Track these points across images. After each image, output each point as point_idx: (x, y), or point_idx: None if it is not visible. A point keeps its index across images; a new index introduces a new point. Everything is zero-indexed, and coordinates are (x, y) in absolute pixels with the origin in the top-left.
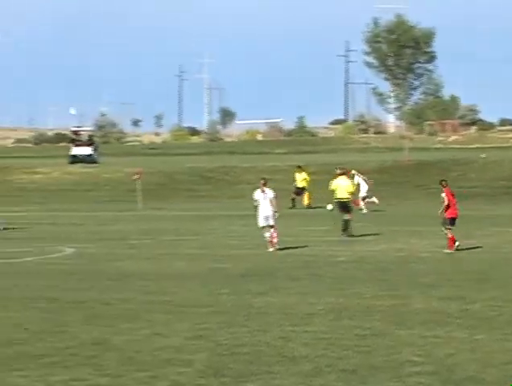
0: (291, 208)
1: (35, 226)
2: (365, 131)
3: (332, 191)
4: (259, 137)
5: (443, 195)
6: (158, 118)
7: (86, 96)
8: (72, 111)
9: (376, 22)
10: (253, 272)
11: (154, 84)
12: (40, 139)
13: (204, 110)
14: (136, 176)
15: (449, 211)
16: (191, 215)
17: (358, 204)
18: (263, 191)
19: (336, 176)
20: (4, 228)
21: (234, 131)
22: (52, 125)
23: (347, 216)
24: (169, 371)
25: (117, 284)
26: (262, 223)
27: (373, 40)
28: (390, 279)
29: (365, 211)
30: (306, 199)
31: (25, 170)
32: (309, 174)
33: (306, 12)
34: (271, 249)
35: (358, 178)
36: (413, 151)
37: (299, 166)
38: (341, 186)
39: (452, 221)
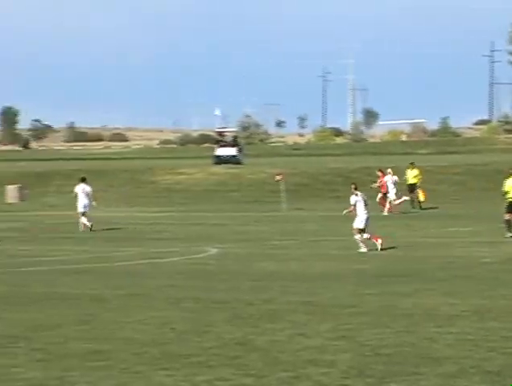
0: (415, 208)
1: (179, 226)
2: (510, 131)
3: (505, 193)
4: (403, 138)
5: None
6: (302, 119)
7: (230, 97)
8: (217, 112)
9: None
10: (397, 273)
11: (298, 85)
12: (185, 140)
13: (347, 111)
14: (279, 177)
15: None
16: (333, 215)
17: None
18: (356, 195)
19: (509, 176)
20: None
21: (378, 132)
22: (197, 126)
23: None
24: (312, 372)
25: (260, 284)
26: (359, 225)
27: None
28: None
29: (385, 213)
30: (421, 196)
31: (170, 171)
32: (421, 171)
33: (450, 12)
34: (364, 250)
35: (392, 179)
36: None
37: (412, 163)
38: None
39: None
